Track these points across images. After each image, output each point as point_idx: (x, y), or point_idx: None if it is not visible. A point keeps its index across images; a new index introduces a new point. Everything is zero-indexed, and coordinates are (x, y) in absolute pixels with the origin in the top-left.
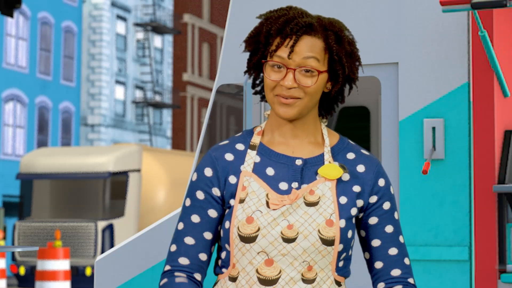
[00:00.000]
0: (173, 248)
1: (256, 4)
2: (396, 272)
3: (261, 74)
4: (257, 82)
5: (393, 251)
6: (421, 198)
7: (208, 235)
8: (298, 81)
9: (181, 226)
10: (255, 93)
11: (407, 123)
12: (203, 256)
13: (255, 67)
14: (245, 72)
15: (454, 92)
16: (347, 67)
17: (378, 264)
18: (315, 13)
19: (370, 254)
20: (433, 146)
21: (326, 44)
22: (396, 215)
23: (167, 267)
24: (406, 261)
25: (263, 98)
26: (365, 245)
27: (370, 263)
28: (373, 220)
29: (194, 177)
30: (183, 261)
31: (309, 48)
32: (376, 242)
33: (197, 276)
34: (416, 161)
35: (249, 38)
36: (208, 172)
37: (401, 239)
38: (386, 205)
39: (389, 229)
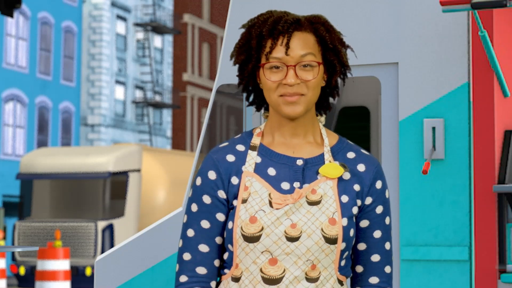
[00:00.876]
0: (187, 256)
1: (256, 4)
2: (374, 280)
3: (253, 83)
4: (251, 93)
5: (375, 257)
6: (421, 198)
7: (219, 240)
8: (300, 77)
9: (191, 233)
10: (251, 104)
11: (407, 123)
12: (217, 262)
13: (249, 76)
14: (239, 84)
15: (454, 92)
16: (343, 54)
17: (359, 268)
18: (316, 14)
19: (354, 257)
20: (433, 146)
21: (317, 37)
22: (387, 220)
23: (184, 278)
24: (387, 269)
25: (259, 108)
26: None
27: (351, 265)
28: (364, 223)
29: (198, 182)
30: (201, 270)
31: (303, 43)
32: (361, 246)
33: (213, 284)
34: (416, 161)
35: (239, 48)
36: (212, 175)
37: (387, 245)
38: (379, 209)
39: (377, 234)
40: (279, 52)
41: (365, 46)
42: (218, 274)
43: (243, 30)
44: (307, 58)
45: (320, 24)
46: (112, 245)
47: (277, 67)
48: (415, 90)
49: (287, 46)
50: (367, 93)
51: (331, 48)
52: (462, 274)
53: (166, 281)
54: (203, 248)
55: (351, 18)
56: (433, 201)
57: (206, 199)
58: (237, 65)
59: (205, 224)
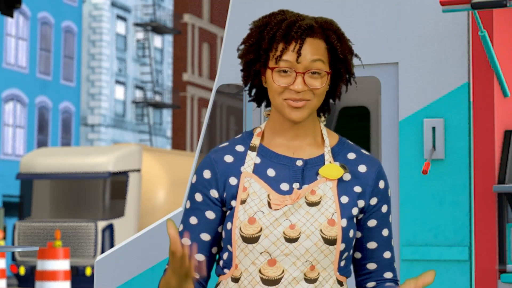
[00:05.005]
0: None
1: (256, 4)
2: (388, 275)
3: (257, 80)
4: (254, 89)
5: (387, 254)
6: (421, 198)
7: (205, 236)
8: (308, 84)
9: (180, 228)
10: (252, 100)
11: (407, 123)
12: (200, 257)
13: (255, 74)
14: (243, 80)
15: (454, 92)
16: (350, 63)
17: (372, 266)
18: (316, 14)
19: (363, 255)
20: (433, 146)
21: (327, 45)
22: (390, 218)
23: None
24: (395, 264)
25: (259, 104)
26: (359, 246)
27: (360, 263)
28: (372, 223)
29: (194, 180)
30: None
31: (314, 51)
32: (372, 245)
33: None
34: (416, 161)
35: (249, 46)
36: (207, 174)
37: (392, 242)
38: (384, 208)
39: (385, 232)
40: (290, 56)
41: (365, 46)
42: (204, 269)
43: (246, 25)
44: (317, 65)
45: (332, 31)
46: (112, 245)
47: (285, 71)
48: (415, 90)
49: (299, 53)
50: (367, 93)
51: (341, 58)
52: (462, 274)
53: None
54: (185, 241)
55: (351, 18)
56: (433, 201)
57: (198, 196)
58: (237, 64)
59: (193, 220)
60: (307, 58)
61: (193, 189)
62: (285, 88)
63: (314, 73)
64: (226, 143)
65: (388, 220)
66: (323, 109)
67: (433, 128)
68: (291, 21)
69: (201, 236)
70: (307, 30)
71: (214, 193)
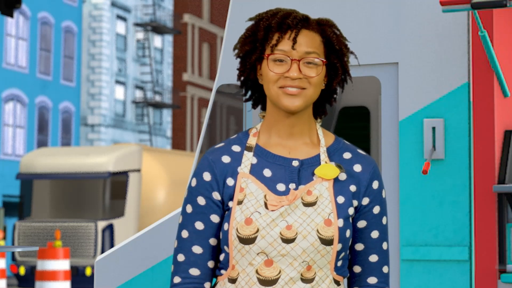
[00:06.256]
0: (181, 258)
1: (256, 4)
2: (372, 280)
3: (253, 76)
4: (249, 88)
5: (373, 258)
6: (421, 198)
7: (213, 241)
8: (303, 72)
9: (185, 234)
10: (248, 99)
11: (407, 123)
12: (211, 264)
13: (251, 68)
14: (239, 76)
15: (454, 92)
16: (346, 58)
17: (357, 269)
18: (316, 14)
19: (351, 257)
20: (433, 146)
21: (323, 38)
22: (384, 220)
23: (177, 279)
24: (385, 269)
25: (255, 106)
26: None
27: (348, 265)
28: (361, 224)
29: (194, 183)
30: (194, 272)
31: (310, 43)
32: (359, 246)
33: (207, 285)
34: (416, 161)
35: (245, 38)
36: (207, 176)
37: (384, 245)
38: (376, 209)
39: (374, 234)
40: (285, 45)
41: (365, 46)
42: (213, 275)
43: (246, 25)
44: (312, 56)
45: (328, 26)
46: (112, 245)
47: (281, 61)
48: (415, 90)
49: (294, 41)
50: (367, 93)
51: (336, 51)
52: (462, 274)
53: (166, 281)
54: (197, 249)
55: (351, 18)
56: (433, 201)
57: (201, 200)
58: (237, 64)
59: (199, 225)
60: (302, 47)
61: (195, 192)
62: (281, 75)
63: (309, 63)
64: (222, 144)
65: (380, 221)
66: (318, 111)
67: (433, 128)
68: (287, 13)
69: (210, 242)
70: (303, 21)
71: (216, 195)
